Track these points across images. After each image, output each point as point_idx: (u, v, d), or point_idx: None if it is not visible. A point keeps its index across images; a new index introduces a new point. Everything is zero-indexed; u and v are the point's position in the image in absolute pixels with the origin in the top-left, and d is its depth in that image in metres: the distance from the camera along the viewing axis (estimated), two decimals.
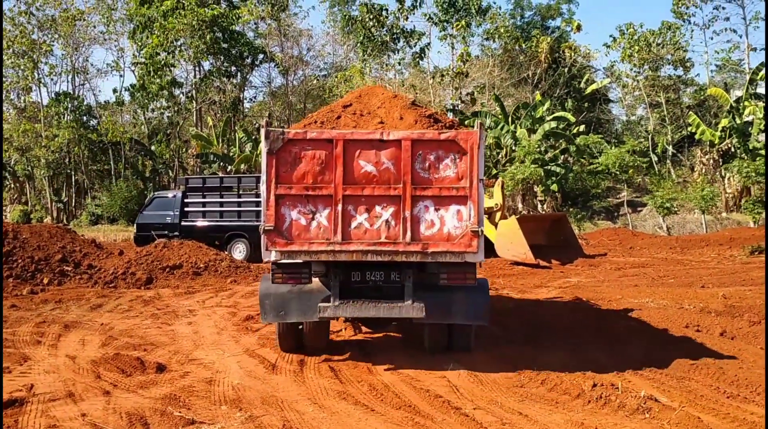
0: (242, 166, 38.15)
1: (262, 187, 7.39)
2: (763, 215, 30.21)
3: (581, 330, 9.45)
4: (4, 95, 41.38)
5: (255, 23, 47.33)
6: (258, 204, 20.26)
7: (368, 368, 7.75)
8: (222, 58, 43.50)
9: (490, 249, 16.37)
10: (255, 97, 53.82)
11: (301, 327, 8.29)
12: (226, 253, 18.59)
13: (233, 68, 44.92)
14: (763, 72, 34.63)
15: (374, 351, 8.53)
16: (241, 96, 47.77)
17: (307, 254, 7.38)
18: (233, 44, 43.35)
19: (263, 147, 7.37)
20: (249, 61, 45.91)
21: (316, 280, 7.81)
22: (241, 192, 20.83)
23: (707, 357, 7.84)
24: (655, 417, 5.93)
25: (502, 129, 36.32)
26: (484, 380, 7.24)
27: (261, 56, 46.58)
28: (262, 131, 7.38)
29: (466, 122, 38.66)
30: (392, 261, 7.38)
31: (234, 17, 42.87)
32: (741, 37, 44.93)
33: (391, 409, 6.34)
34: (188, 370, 7.66)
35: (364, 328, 9.80)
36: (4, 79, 40.74)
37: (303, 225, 7.37)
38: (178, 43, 41.72)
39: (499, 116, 37.25)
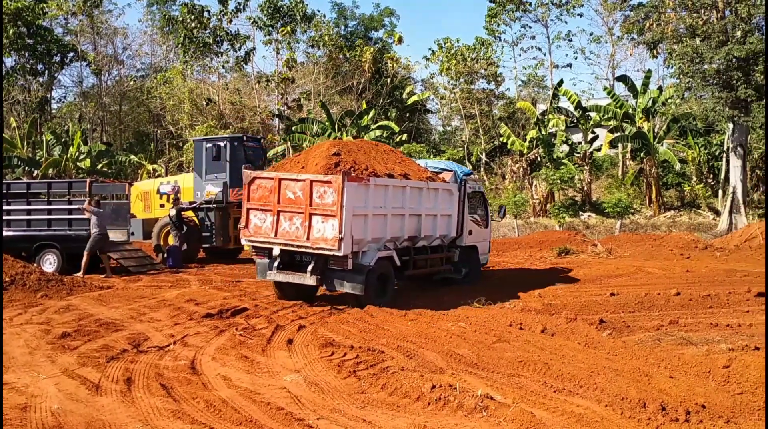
0: (50, 170, 35.31)
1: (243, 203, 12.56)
2: (567, 219, 32.94)
3: (414, 337, 9.66)
4: None
5: (65, 19, 44.23)
6: (71, 211, 18.77)
7: (203, 383, 7.40)
8: (27, 54, 40.07)
9: None
10: (65, 97, 50.22)
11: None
12: (35, 265, 16.97)
13: (40, 66, 41.57)
14: (563, 87, 37.77)
15: (207, 360, 8.18)
16: (49, 96, 44.30)
17: (259, 243, 12.37)
18: (39, 40, 40.13)
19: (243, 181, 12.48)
20: (58, 58, 42.70)
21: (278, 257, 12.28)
22: (51, 199, 19.12)
23: (533, 353, 8.32)
24: (492, 415, 6.18)
25: (329, 136, 36.61)
26: (325, 388, 7.17)
27: (71, 54, 43.55)
28: (243, 172, 12.66)
29: (293, 128, 38.68)
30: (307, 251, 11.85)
31: (40, 11, 39.67)
32: (545, 54, 48.81)
33: (232, 426, 6.08)
34: None
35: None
36: None
37: (258, 226, 12.21)
38: None
39: (326, 123, 37.54)
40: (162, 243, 20.20)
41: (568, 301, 12.63)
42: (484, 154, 44.88)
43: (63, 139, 38.03)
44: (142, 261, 18.70)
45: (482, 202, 16.41)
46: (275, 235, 11.91)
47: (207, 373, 7.80)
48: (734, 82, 27.49)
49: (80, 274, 16.28)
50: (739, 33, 27.58)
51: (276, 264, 12.25)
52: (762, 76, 27.60)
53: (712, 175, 35.97)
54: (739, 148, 29.72)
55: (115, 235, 18.36)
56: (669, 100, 35.10)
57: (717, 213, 32.94)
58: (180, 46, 42.60)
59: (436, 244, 14.16)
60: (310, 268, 11.93)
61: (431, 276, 14.64)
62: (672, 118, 34.62)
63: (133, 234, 19.39)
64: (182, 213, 19.54)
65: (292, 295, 12.79)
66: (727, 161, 31.51)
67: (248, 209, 12.27)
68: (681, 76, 30.48)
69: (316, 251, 11.66)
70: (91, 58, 44.99)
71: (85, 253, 16.83)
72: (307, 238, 11.58)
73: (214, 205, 19.80)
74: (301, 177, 11.73)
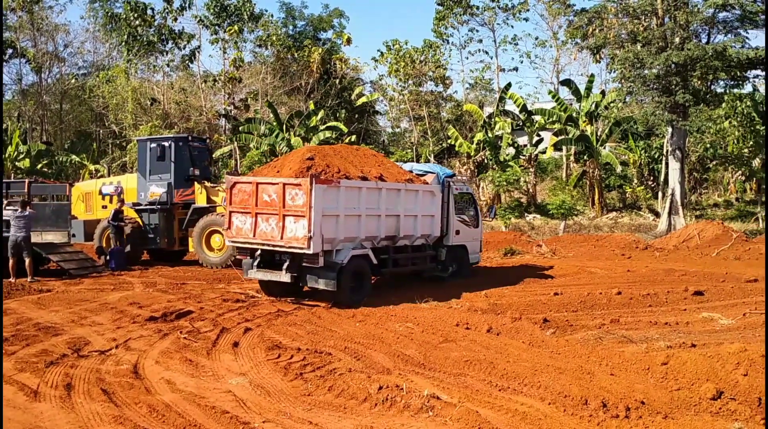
0: None
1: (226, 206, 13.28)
2: (513, 220, 33.43)
3: (361, 338, 9.67)
4: None
5: (3, 14, 42.63)
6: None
7: (146, 388, 7.26)
8: None
9: None
10: (2, 95, 48.49)
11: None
12: None
13: None
14: (511, 91, 38.34)
15: (149, 364, 8.02)
16: None
17: (240, 243, 13.00)
18: None
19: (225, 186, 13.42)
20: None
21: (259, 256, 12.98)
22: None
23: (478, 353, 8.41)
24: (438, 414, 6.22)
25: (277, 136, 36.35)
26: (272, 391, 7.11)
27: (10, 51, 42.17)
28: (226, 177, 13.80)
29: (240, 128, 38.25)
30: (283, 250, 12.40)
31: None
32: (492, 58, 49.45)
33: None
34: None
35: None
36: None
37: (240, 227, 12.83)
38: None
39: (274, 124, 37.25)
40: (104, 245, 19.72)
41: (514, 300, 12.82)
42: (432, 155, 45.18)
43: (1, 139, 36.82)
44: (83, 263, 18.21)
45: (472, 203, 16.95)
46: (254, 235, 12.60)
47: (150, 378, 7.65)
48: (673, 87, 28.38)
49: (12, 279, 15.71)
50: (677, 39, 28.47)
51: (256, 263, 12.95)
52: (699, 82, 28.56)
53: (652, 178, 37.04)
54: (677, 151, 30.65)
55: (55, 237, 17.86)
56: (611, 104, 35.98)
57: (657, 214, 33.91)
58: (123, 44, 41.70)
59: (420, 244, 14.75)
60: (285, 266, 12.54)
61: (417, 274, 15.33)
62: (614, 122, 35.50)
63: (74, 236, 18.86)
64: (120, 214, 19.05)
65: (277, 292, 13.55)
66: (667, 164, 32.46)
67: (231, 212, 13.04)
68: (623, 81, 31.32)
69: (289, 250, 12.27)
70: (30, 55, 43.71)
71: (9, 258, 16.27)
72: (281, 238, 12.22)
73: (158, 207, 19.42)
74: (275, 180, 12.41)
